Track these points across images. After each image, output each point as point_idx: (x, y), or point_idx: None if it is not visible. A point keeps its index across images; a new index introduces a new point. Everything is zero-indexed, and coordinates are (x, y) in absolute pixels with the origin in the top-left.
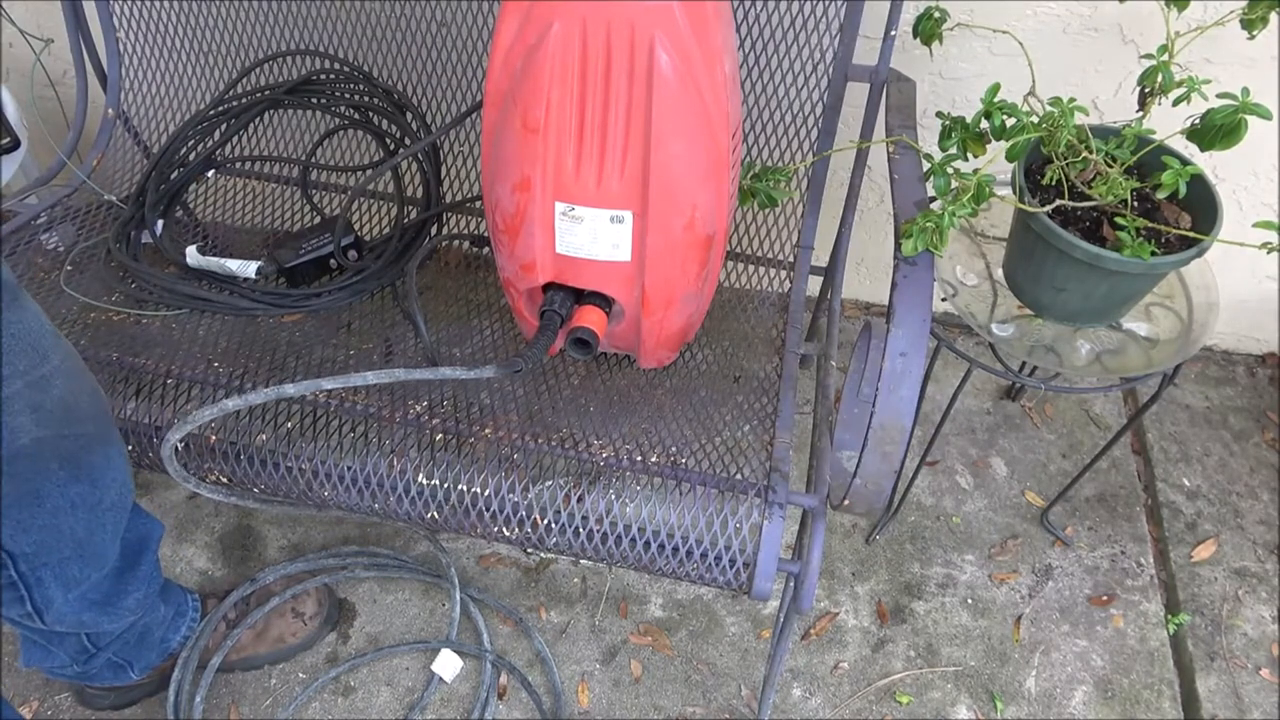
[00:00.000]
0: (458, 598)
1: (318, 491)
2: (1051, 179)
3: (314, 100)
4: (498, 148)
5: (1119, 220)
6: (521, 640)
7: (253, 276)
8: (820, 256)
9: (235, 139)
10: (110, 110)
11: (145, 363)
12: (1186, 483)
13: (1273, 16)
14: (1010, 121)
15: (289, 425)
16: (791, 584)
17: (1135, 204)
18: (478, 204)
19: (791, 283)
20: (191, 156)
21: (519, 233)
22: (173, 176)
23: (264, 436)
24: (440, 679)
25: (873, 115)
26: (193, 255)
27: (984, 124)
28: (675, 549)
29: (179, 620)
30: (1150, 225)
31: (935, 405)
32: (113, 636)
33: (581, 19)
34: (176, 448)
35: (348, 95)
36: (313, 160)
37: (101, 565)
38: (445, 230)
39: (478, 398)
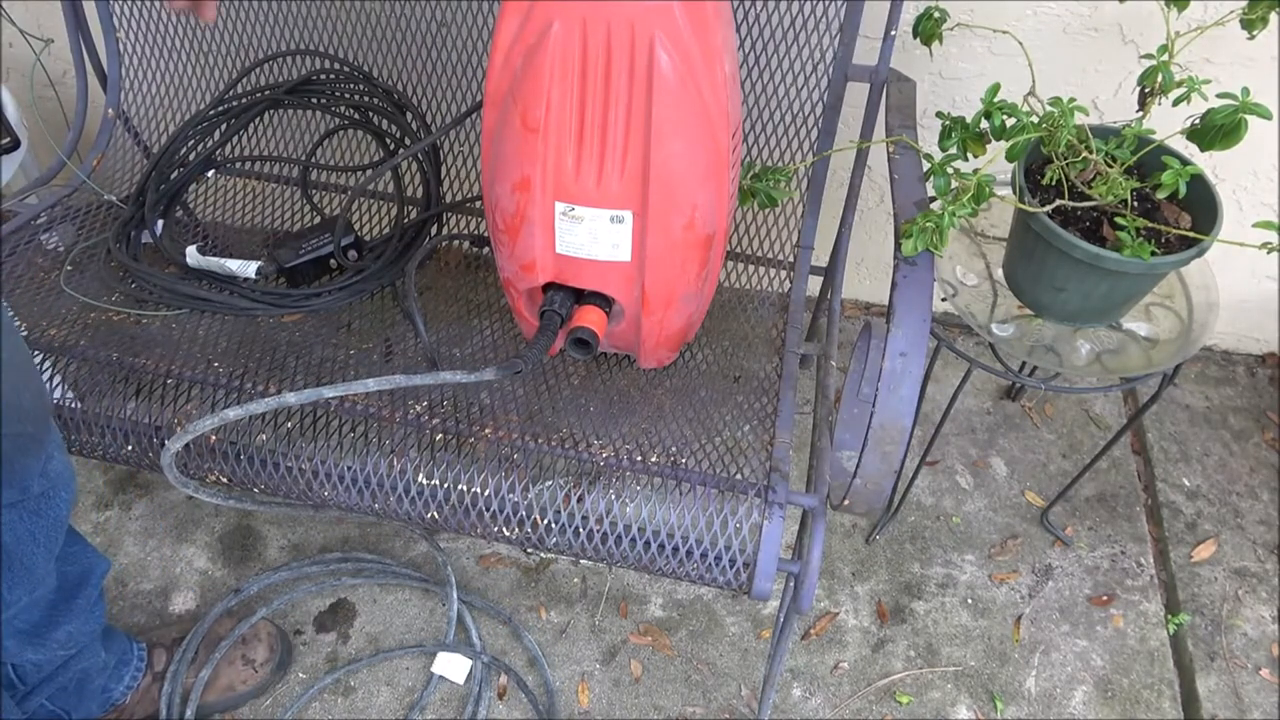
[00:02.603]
0: (454, 596)
1: (318, 492)
2: (1051, 179)
3: (314, 100)
4: (498, 147)
5: (1119, 220)
6: (519, 641)
7: (253, 276)
8: (820, 256)
9: (235, 139)
10: (110, 110)
11: (145, 363)
12: (1186, 483)
13: (1273, 16)
14: (1010, 121)
15: (289, 425)
16: (791, 584)
17: (1135, 204)
18: (478, 204)
19: (791, 283)
20: (191, 156)
21: (519, 233)
22: (173, 176)
23: (264, 437)
24: (440, 679)
25: (873, 115)
26: (193, 255)
27: (984, 124)
28: (675, 549)
29: (122, 669)
30: (1150, 225)
31: (935, 405)
32: (44, 675)
33: (581, 19)
34: (176, 452)
35: (348, 95)
36: (313, 160)
37: (31, 585)
38: (445, 230)
39: (478, 398)
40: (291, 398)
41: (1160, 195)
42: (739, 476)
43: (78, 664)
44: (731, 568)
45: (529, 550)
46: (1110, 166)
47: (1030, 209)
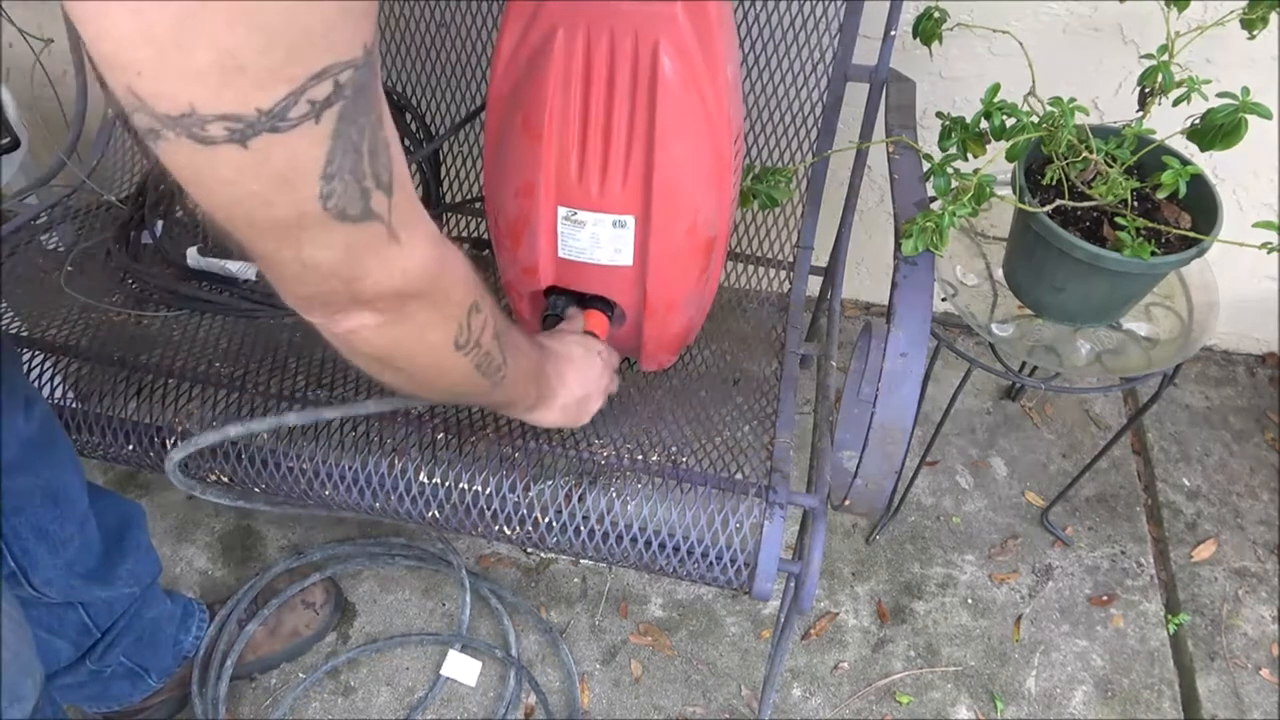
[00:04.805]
0: (467, 600)
1: (319, 491)
2: (1051, 179)
3: None
4: (500, 152)
5: (1119, 220)
6: (529, 635)
7: (253, 278)
8: (820, 256)
9: None
10: (110, 110)
11: (145, 363)
12: (1186, 483)
13: (1273, 16)
14: (1010, 121)
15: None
16: (792, 584)
17: (1135, 204)
18: (478, 205)
19: (791, 283)
20: None
21: (521, 237)
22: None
23: (265, 436)
24: (447, 680)
25: (873, 115)
26: (193, 256)
27: (984, 124)
28: (675, 549)
29: (188, 620)
30: (1150, 225)
31: (935, 405)
32: (117, 621)
33: (585, 24)
34: (178, 461)
35: None
36: None
37: (75, 513)
38: (445, 231)
39: None
40: (292, 418)
41: (1160, 195)
42: (739, 476)
43: (148, 611)
44: (732, 567)
45: (529, 550)
46: (1110, 166)
47: (1030, 209)
